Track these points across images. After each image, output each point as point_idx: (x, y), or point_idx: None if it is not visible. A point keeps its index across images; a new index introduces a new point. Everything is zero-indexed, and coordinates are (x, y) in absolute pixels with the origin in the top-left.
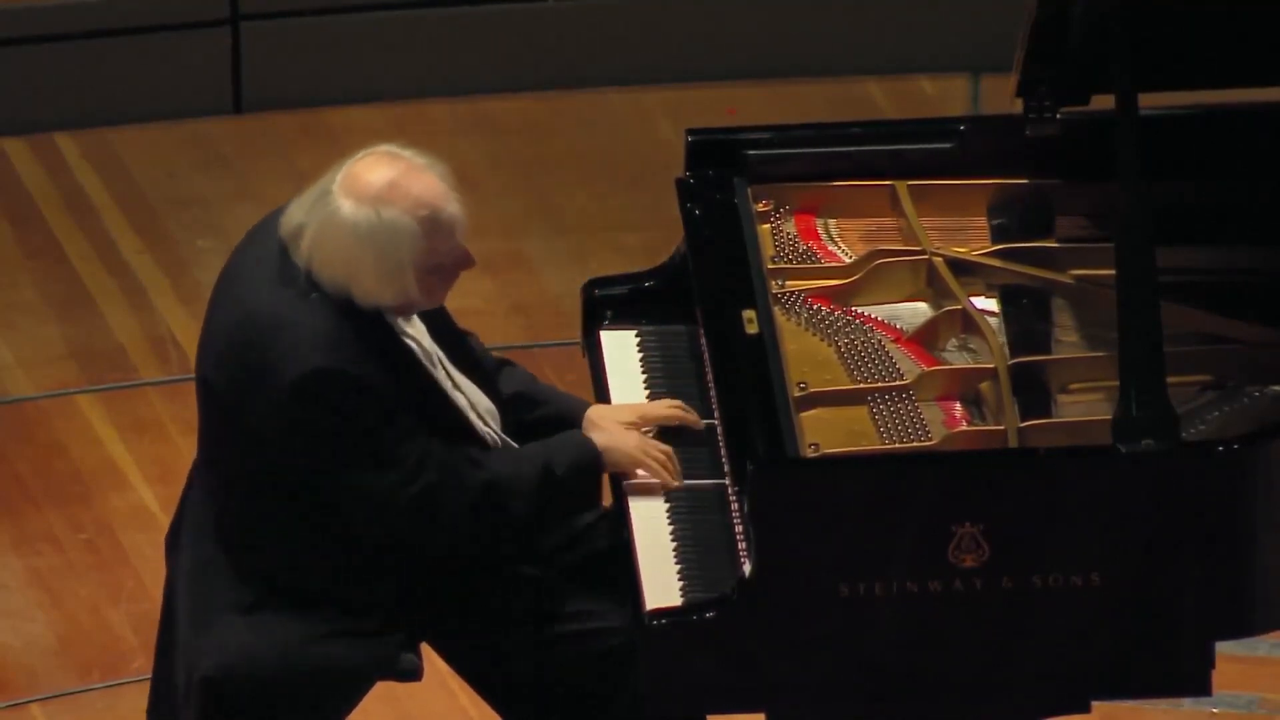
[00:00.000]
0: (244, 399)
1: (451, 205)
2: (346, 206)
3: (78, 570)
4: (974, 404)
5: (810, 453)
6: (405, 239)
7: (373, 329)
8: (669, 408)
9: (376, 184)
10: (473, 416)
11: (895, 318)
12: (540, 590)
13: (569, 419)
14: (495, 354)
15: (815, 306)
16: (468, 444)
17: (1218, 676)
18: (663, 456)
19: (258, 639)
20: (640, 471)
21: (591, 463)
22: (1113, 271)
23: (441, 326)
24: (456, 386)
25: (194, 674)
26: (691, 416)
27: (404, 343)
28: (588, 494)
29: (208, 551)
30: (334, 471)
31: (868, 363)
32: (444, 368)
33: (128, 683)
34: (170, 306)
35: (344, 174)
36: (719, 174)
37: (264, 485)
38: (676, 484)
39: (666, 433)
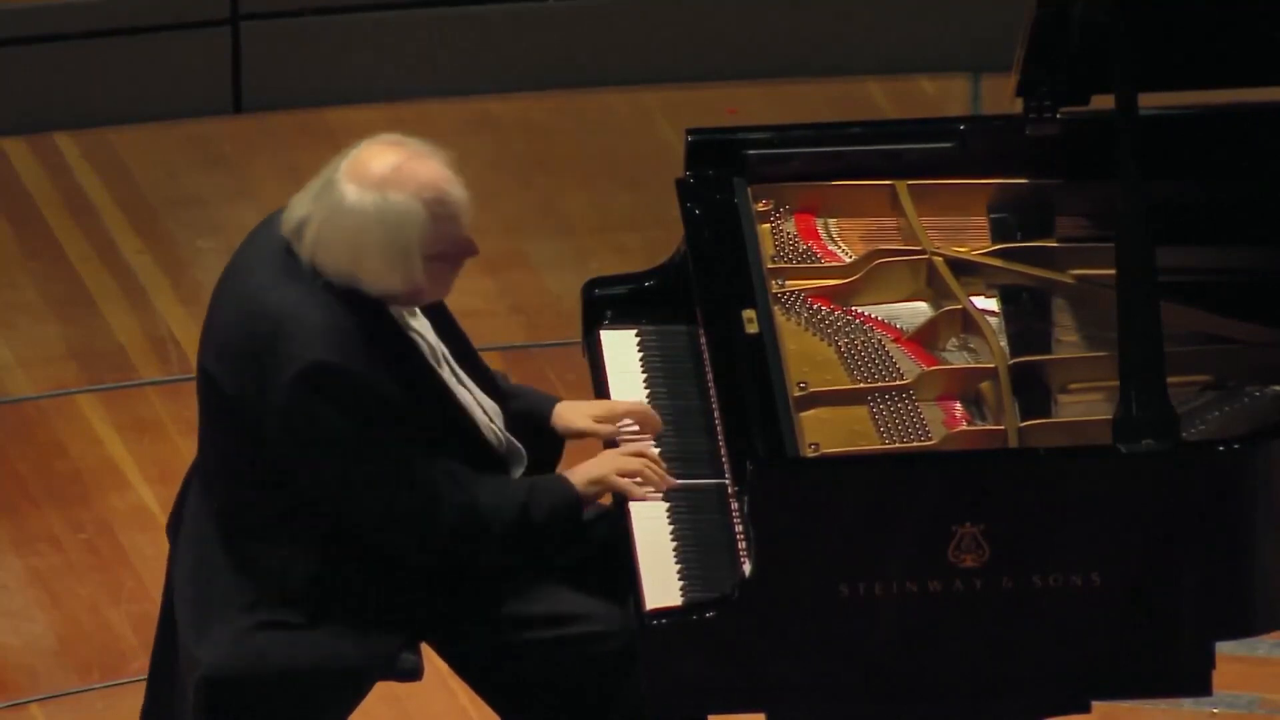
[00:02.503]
0: (246, 392)
1: (456, 189)
2: (352, 192)
3: (78, 570)
4: (974, 404)
5: (810, 453)
6: (412, 222)
7: (378, 323)
8: (634, 405)
9: (381, 169)
10: (478, 414)
11: (895, 318)
12: (540, 593)
13: (537, 414)
14: (487, 354)
15: (815, 306)
16: (471, 442)
17: (1218, 676)
18: (633, 476)
19: (257, 638)
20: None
21: (570, 508)
22: (1113, 271)
23: (445, 325)
24: (461, 383)
25: (194, 674)
26: (653, 421)
27: (409, 337)
28: (566, 535)
29: (207, 549)
30: (324, 476)
31: (868, 362)
32: (449, 365)
33: (128, 683)
34: (170, 306)
35: (348, 163)
36: (719, 174)
37: (263, 480)
38: (658, 493)
39: (671, 429)
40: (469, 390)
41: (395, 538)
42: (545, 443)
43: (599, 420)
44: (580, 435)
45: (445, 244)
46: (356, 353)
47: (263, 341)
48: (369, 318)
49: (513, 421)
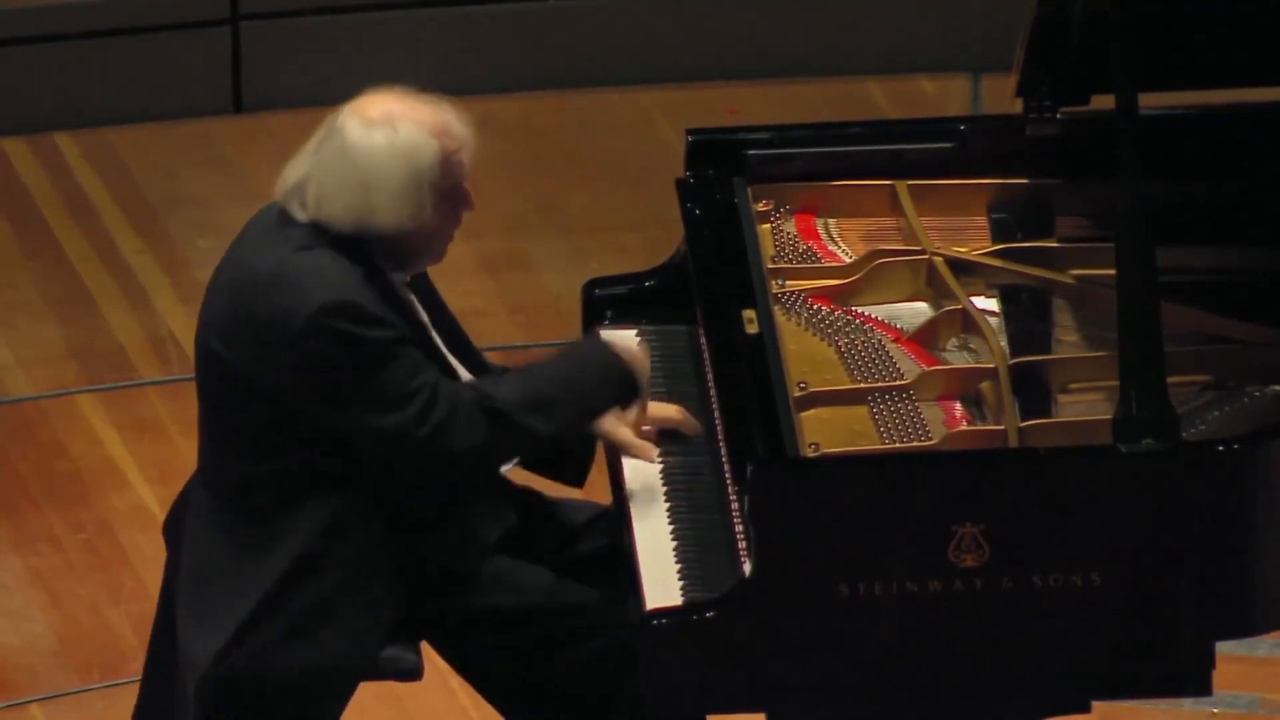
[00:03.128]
0: (254, 355)
1: (461, 125)
2: (357, 130)
3: (78, 570)
4: (974, 404)
5: (810, 453)
6: (422, 153)
7: (378, 282)
8: (677, 411)
9: (385, 107)
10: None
11: (895, 318)
12: (539, 588)
13: None
14: (497, 356)
15: (815, 306)
16: None
17: (1218, 676)
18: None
19: (256, 638)
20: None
21: (619, 370)
22: (1113, 271)
23: (436, 311)
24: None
25: (194, 674)
26: (691, 425)
27: (406, 297)
28: (616, 394)
29: (208, 549)
30: (346, 411)
31: (868, 363)
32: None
33: (128, 683)
34: (170, 306)
35: (345, 113)
36: (719, 174)
37: (274, 453)
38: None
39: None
40: (460, 370)
41: (435, 461)
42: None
43: (634, 427)
44: (619, 445)
45: (453, 180)
46: (366, 295)
47: (265, 301)
48: (369, 275)
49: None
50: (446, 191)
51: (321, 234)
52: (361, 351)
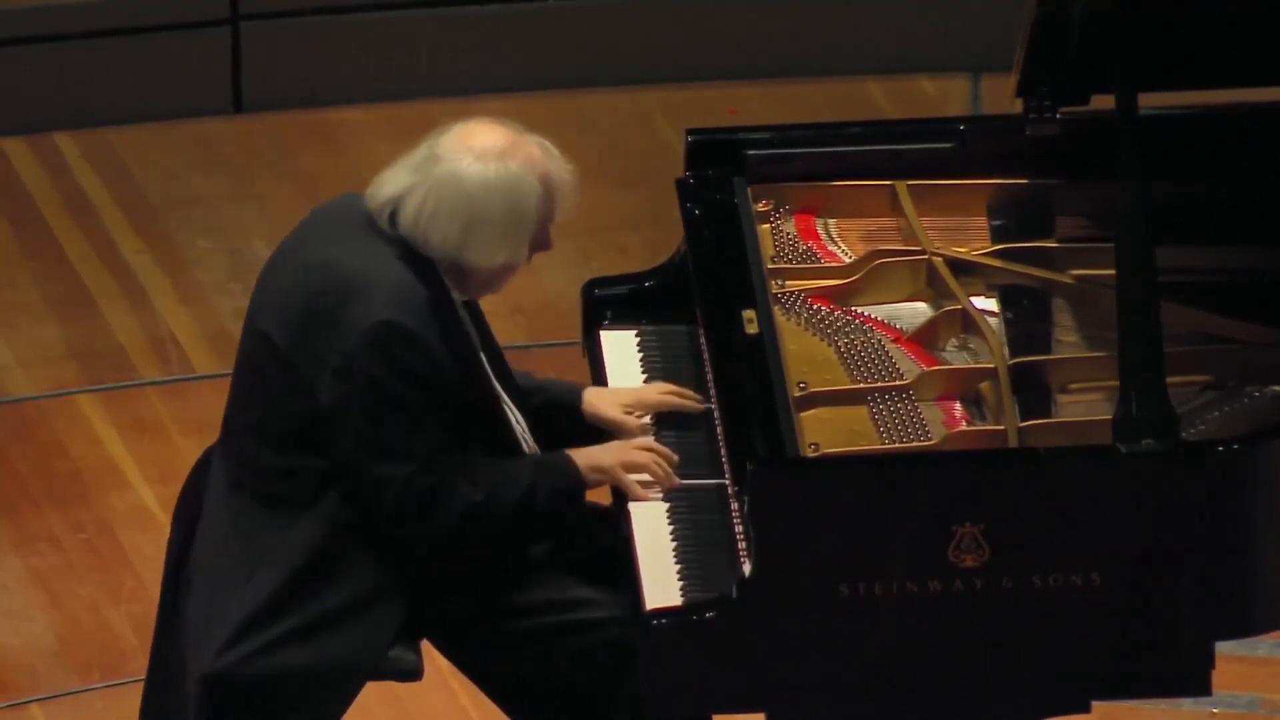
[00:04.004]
0: (303, 345)
1: (561, 170)
2: (469, 163)
3: (78, 570)
4: (974, 404)
5: (810, 453)
6: (529, 194)
7: (444, 306)
8: (663, 394)
9: (497, 143)
10: (510, 415)
11: (895, 318)
12: (541, 582)
13: (565, 403)
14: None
15: (815, 306)
16: (499, 438)
17: (1218, 676)
18: (640, 471)
19: (264, 636)
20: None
21: (572, 492)
22: (1113, 271)
23: (483, 336)
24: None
25: (197, 670)
26: (689, 401)
27: (464, 326)
28: (567, 512)
29: (222, 540)
30: (348, 434)
31: (868, 363)
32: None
33: (128, 683)
34: (170, 306)
35: (449, 139)
36: (719, 174)
37: (303, 444)
38: (659, 494)
39: (671, 429)
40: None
41: (405, 512)
42: (575, 430)
43: (628, 409)
44: (610, 424)
45: (547, 222)
46: (427, 323)
47: (334, 300)
48: (438, 299)
49: (540, 413)
50: (534, 236)
51: (403, 247)
52: (398, 378)
